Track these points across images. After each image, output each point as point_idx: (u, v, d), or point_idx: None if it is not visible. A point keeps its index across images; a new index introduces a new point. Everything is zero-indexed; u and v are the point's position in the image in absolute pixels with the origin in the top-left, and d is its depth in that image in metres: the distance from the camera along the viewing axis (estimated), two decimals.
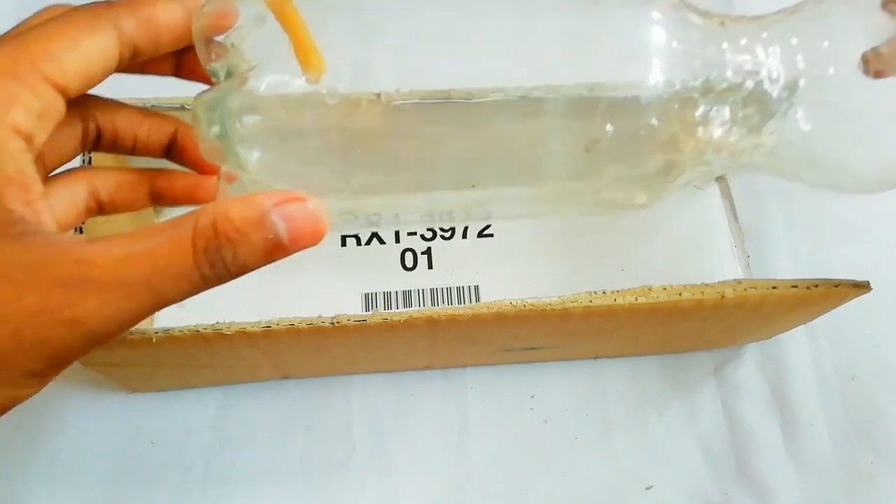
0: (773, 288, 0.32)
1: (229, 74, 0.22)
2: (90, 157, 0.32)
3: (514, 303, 0.31)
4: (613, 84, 0.27)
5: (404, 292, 0.40)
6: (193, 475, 0.39)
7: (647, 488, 0.40)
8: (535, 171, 0.28)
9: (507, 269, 0.41)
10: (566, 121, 0.26)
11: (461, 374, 0.42)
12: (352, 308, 0.40)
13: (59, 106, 0.19)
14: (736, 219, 0.43)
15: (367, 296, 0.40)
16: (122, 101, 0.22)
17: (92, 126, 0.22)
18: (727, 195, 0.43)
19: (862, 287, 0.34)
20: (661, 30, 0.25)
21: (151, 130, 0.23)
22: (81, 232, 0.31)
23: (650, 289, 0.32)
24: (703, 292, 0.32)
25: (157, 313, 0.28)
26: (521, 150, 0.26)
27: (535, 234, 0.42)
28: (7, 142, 0.17)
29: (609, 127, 0.24)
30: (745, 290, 0.32)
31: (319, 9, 0.21)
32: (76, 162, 0.25)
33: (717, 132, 0.25)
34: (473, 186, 0.26)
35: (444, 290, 0.39)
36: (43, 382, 0.17)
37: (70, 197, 0.23)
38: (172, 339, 0.30)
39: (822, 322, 0.42)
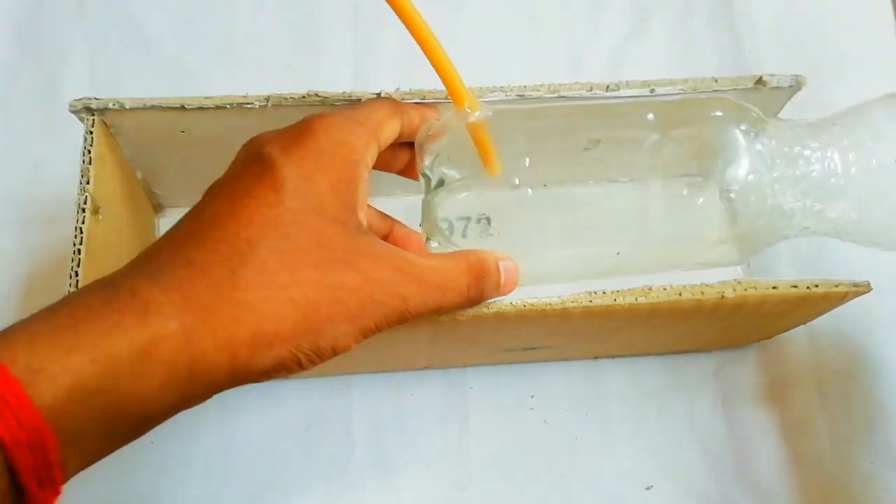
0: (773, 288, 0.32)
1: (440, 182, 0.31)
2: (90, 157, 0.32)
3: (513, 303, 0.31)
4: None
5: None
6: (194, 474, 0.39)
7: (647, 488, 0.40)
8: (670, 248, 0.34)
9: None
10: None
11: (461, 373, 0.42)
12: None
13: (377, 150, 0.28)
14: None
15: None
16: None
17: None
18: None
19: (862, 287, 0.34)
20: (748, 137, 0.33)
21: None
22: (81, 232, 0.31)
23: (650, 289, 0.32)
24: (702, 292, 0.32)
25: None
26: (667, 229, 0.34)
27: (536, 234, 0.41)
28: (364, 175, 0.27)
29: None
30: (745, 290, 0.32)
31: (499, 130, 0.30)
32: None
33: (793, 208, 0.33)
34: (618, 253, 0.33)
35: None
36: (361, 339, 0.24)
37: None
38: None
39: (822, 322, 0.42)
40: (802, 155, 0.33)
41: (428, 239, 0.32)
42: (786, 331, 0.42)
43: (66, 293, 0.30)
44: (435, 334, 0.34)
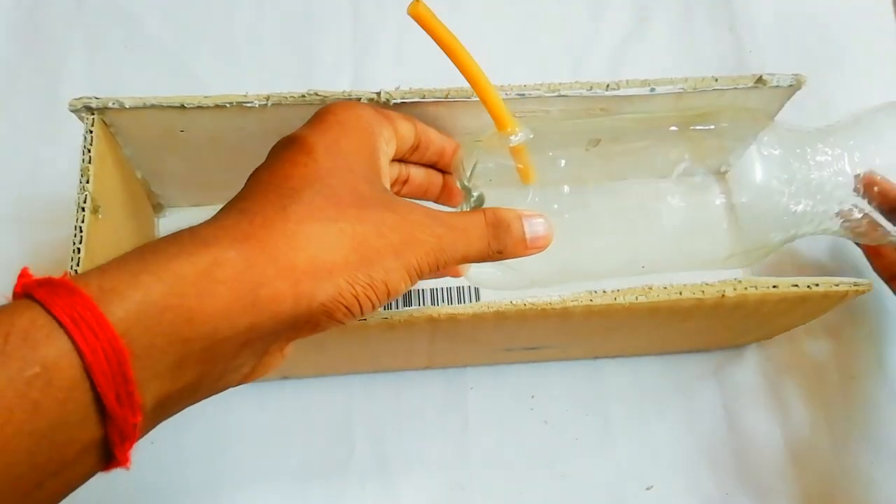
0: (774, 287, 0.32)
1: (480, 199, 0.33)
2: (90, 157, 0.32)
3: (513, 302, 0.31)
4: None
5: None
6: (194, 474, 0.39)
7: (648, 488, 0.40)
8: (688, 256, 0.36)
9: (508, 267, 0.41)
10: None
11: (461, 373, 0.42)
12: None
13: (396, 144, 0.31)
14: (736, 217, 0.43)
15: None
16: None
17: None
18: (727, 193, 0.43)
19: (862, 286, 0.34)
20: (765, 142, 0.35)
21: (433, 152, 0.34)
22: (81, 231, 0.31)
23: (650, 288, 0.32)
24: (703, 292, 0.32)
25: None
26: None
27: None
28: (383, 148, 0.29)
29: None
30: (746, 289, 0.32)
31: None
32: None
33: (804, 208, 0.35)
34: (643, 267, 0.35)
35: (445, 290, 0.39)
36: (408, 280, 0.25)
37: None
38: None
39: (823, 321, 0.42)
40: (810, 158, 0.35)
41: None
42: (786, 330, 0.42)
43: None
44: (434, 334, 0.34)
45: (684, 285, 0.32)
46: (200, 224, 0.23)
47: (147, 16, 0.50)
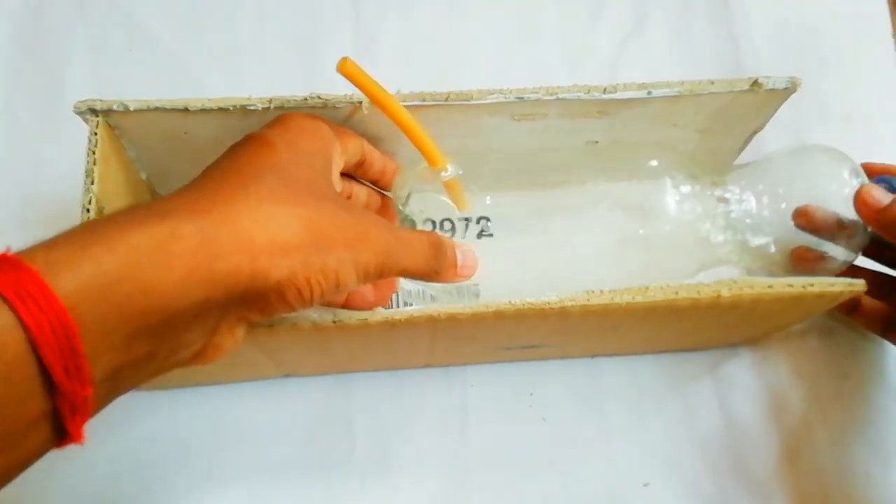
0: (769, 287, 0.33)
1: (411, 224, 0.36)
2: (95, 158, 0.33)
3: (513, 302, 0.31)
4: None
5: (405, 291, 0.40)
6: (196, 472, 0.40)
7: (645, 485, 0.41)
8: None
9: (507, 268, 0.41)
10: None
11: (461, 371, 0.43)
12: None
13: (345, 157, 0.32)
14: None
15: None
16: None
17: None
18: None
19: (857, 286, 0.34)
20: (679, 183, 0.39)
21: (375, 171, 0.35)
22: None
23: (647, 288, 0.32)
24: (699, 291, 0.32)
25: None
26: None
27: (534, 234, 0.42)
28: (336, 160, 0.30)
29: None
30: (741, 289, 0.32)
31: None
32: None
33: (719, 239, 0.39)
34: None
35: (444, 289, 0.40)
36: (358, 276, 0.26)
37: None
38: None
39: (818, 320, 0.42)
40: (724, 197, 0.39)
41: None
42: (781, 329, 0.42)
43: None
44: (435, 333, 0.35)
45: (680, 285, 0.32)
46: (156, 199, 0.24)
47: (150, 18, 0.50)
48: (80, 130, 0.34)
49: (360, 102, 0.33)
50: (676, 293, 0.32)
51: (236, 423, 0.41)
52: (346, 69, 0.30)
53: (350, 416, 0.41)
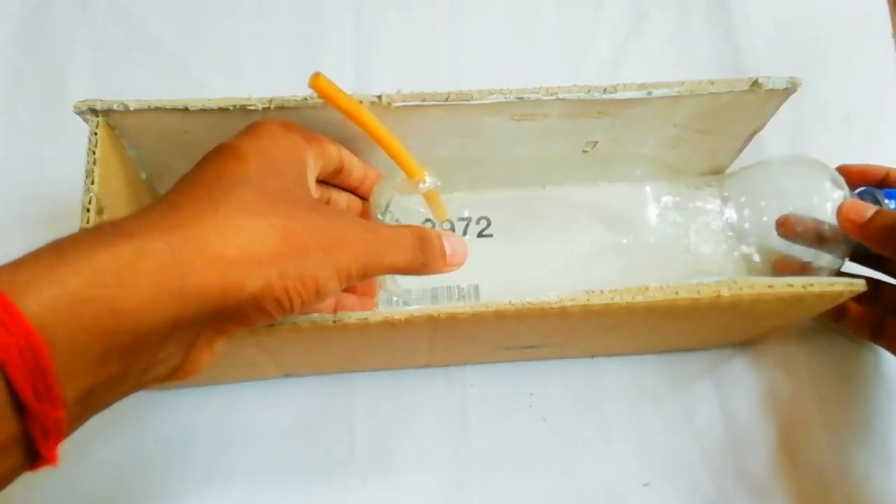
0: (769, 287, 0.33)
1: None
2: (95, 158, 0.33)
3: (513, 302, 0.31)
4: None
5: (405, 291, 0.40)
6: (197, 472, 0.40)
7: (645, 485, 0.41)
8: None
9: (507, 268, 0.41)
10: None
11: (461, 371, 0.43)
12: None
13: (322, 163, 0.32)
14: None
15: None
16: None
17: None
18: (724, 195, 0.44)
19: (857, 286, 0.34)
20: (661, 194, 0.40)
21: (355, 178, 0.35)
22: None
23: (647, 288, 0.32)
24: (699, 291, 0.32)
25: None
26: None
27: (535, 235, 0.42)
28: (311, 164, 0.30)
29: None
30: (741, 289, 0.32)
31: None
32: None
33: (707, 249, 0.40)
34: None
35: (444, 289, 0.40)
36: (336, 280, 0.25)
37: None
38: None
39: (818, 321, 0.42)
40: (704, 209, 0.40)
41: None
42: (782, 329, 0.42)
43: None
44: (435, 333, 0.35)
45: (680, 285, 0.32)
46: (123, 218, 0.23)
47: (151, 18, 0.50)
48: (81, 130, 0.34)
49: (360, 102, 0.33)
50: (676, 293, 0.32)
51: (236, 423, 0.41)
52: (317, 85, 0.30)
53: (350, 416, 0.41)
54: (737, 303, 0.33)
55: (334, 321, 0.31)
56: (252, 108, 0.33)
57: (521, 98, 0.35)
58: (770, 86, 0.36)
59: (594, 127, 0.38)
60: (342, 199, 0.35)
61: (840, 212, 0.36)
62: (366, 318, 0.31)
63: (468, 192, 0.40)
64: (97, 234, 0.21)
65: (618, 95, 0.35)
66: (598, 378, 0.43)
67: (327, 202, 0.34)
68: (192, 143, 0.36)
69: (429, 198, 0.35)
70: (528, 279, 0.41)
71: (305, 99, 0.33)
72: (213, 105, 0.33)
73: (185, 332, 0.23)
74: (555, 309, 0.32)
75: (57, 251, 0.20)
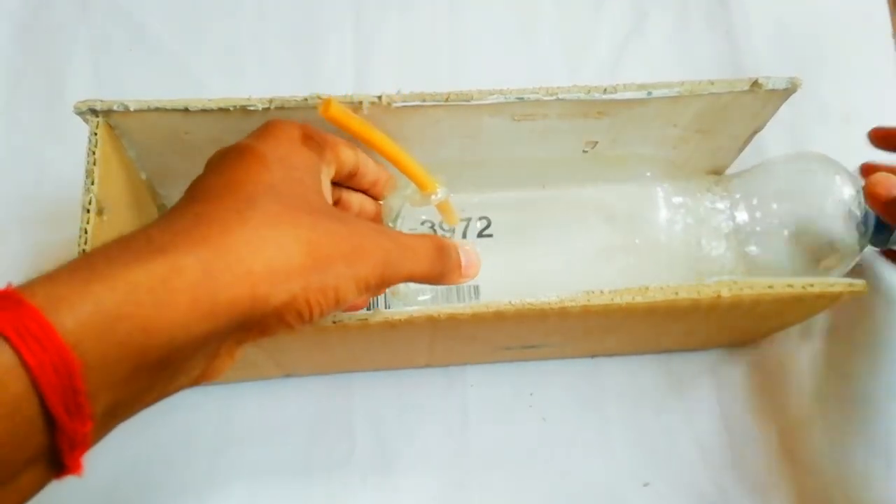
0: (769, 287, 0.33)
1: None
2: (95, 159, 0.33)
3: (513, 302, 0.32)
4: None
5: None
6: (197, 471, 0.40)
7: (645, 485, 0.41)
8: None
9: (507, 268, 0.41)
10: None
11: (461, 371, 0.43)
12: None
13: (336, 167, 0.32)
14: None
15: None
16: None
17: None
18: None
19: (857, 287, 0.34)
20: (671, 195, 0.40)
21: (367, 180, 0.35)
22: (87, 232, 0.32)
23: (647, 288, 0.32)
24: (699, 292, 0.32)
25: None
26: None
27: (535, 235, 0.42)
28: (325, 170, 0.30)
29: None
30: (741, 289, 0.32)
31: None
32: None
33: (714, 250, 0.40)
34: None
35: (444, 290, 0.40)
36: (357, 290, 0.25)
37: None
38: None
39: (818, 321, 0.42)
40: (714, 209, 0.40)
41: None
42: (781, 329, 0.42)
43: None
44: (435, 333, 0.35)
45: (680, 286, 0.32)
46: (152, 227, 0.23)
47: (151, 18, 0.50)
48: (81, 131, 0.34)
49: (360, 102, 0.33)
50: (676, 293, 0.32)
51: (236, 423, 0.41)
52: (330, 113, 0.30)
53: (350, 416, 0.41)
54: (737, 303, 0.33)
55: (334, 321, 0.31)
56: (252, 108, 0.33)
57: (521, 98, 0.35)
58: (770, 86, 0.36)
59: (594, 127, 0.38)
60: (354, 199, 0.35)
61: (867, 186, 0.35)
62: (366, 319, 0.31)
63: (468, 193, 0.40)
64: (131, 248, 0.21)
65: (618, 95, 0.35)
66: (598, 378, 0.43)
67: (337, 201, 0.34)
68: (192, 143, 0.36)
69: (441, 208, 0.35)
70: (528, 279, 0.41)
71: (305, 99, 0.33)
72: (214, 105, 0.33)
73: (212, 345, 0.23)
74: (555, 309, 0.32)
75: (90, 266, 0.20)
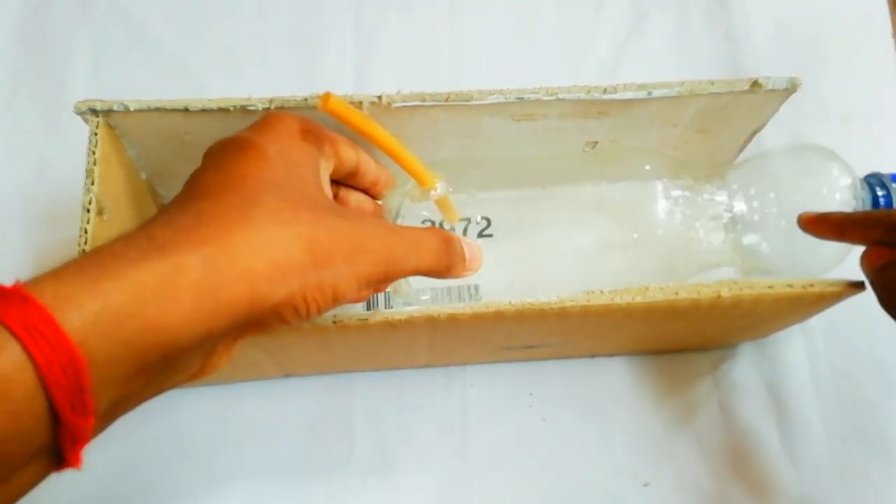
0: (769, 287, 0.33)
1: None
2: (95, 159, 0.33)
3: (513, 302, 0.32)
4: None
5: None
6: (197, 472, 0.40)
7: (645, 485, 0.41)
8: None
9: (507, 268, 0.41)
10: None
11: (461, 371, 0.43)
12: (353, 307, 0.40)
13: (335, 164, 0.32)
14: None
15: None
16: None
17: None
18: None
19: (856, 287, 0.34)
20: (670, 187, 0.40)
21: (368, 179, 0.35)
22: (87, 232, 0.32)
23: (647, 288, 0.32)
24: (699, 292, 0.32)
25: None
26: None
27: (535, 235, 0.42)
28: (324, 165, 0.30)
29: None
30: (741, 289, 0.32)
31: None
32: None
33: (713, 241, 0.40)
34: None
35: (444, 290, 0.40)
36: (357, 289, 0.25)
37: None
38: None
39: (818, 321, 0.42)
40: (712, 201, 0.40)
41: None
42: (781, 329, 0.42)
43: None
44: (435, 333, 0.35)
45: (680, 286, 0.32)
46: (154, 225, 0.23)
47: (151, 18, 0.50)
48: (81, 131, 0.34)
49: (360, 102, 0.33)
50: (676, 293, 0.32)
51: (236, 423, 0.41)
52: (330, 107, 0.30)
53: (350, 416, 0.41)
54: (737, 303, 0.33)
55: (334, 321, 0.31)
56: (252, 108, 0.33)
57: (521, 98, 0.35)
58: (770, 86, 0.36)
59: (594, 127, 0.38)
60: (352, 197, 0.35)
61: (863, 257, 0.34)
62: (366, 319, 0.31)
63: (468, 193, 0.40)
64: (135, 246, 0.21)
65: (618, 95, 0.35)
66: (598, 378, 0.43)
67: (335, 198, 0.34)
68: (192, 143, 0.36)
69: (440, 204, 0.35)
70: (528, 279, 0.41)
71: (305, 99, 0.33)
72: (214, 105, 0.33)
73: (212, 342, 0.23)
74: (555, 309, 0.32)
75: (97, 263, 0.20)
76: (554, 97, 0.35)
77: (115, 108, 0.33)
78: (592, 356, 0.43)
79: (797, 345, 0.44)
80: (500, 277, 0.41)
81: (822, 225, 0.34)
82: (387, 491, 0.40)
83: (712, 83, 0.36)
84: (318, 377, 0.42)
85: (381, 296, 0.41)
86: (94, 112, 0.33)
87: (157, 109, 0.34)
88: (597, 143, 0.40)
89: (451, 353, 0.40)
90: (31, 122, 0.47)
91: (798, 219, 0.35)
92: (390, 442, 0.41)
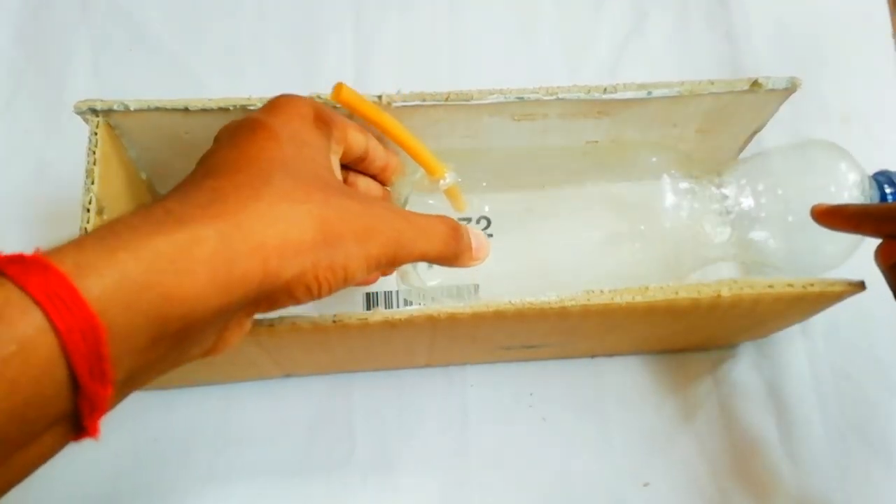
0: (769, 287, 0.33)
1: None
2: (95, 158, 0.33)
3: (513, 302, 0.32)
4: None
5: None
6: (197, 472, 0.40)
7: (645, 485, 0.41)
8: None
9: (507, 268, 0.41)
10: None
11: (461, 371, 0.43)
12: (353, 307, 0.40)
13: (344, 148, 0.32)
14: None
15: (368, 295, 0.41)
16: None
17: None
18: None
19: (857, 286, 0.34)
20: (678, 181, 0.39)
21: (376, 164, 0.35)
22: (87, 232, 0.32)
23: (647, 288, 0.32)
24: (699, 291, 0.32)
25: None
26: None
27: (535, 234, 0.42)
28: (335, 149, 0.30)
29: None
30: (741, 289, 0.32)
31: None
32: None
33: (719, 236, 0.39)
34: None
35: (450, 279, 0.40)
36: (367, 269, 0.26)
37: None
38: None
39: (818, 321, 0.42)
40: (721, 195, 0.40)
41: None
42: (782, 329, 0.42)
43: None
44: (435, 332, 0.35)
45: (680, 285, 0.32)
46: (169, 199, 0.23)
47: (151, 18, 0.50)
48: (81, 130, 0.34)
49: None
50: (676, 293, 0.32)
51: (236, 423, 0.41)
52: (342, 97, 0.31)
53: (350, 416, 0.41)
54: (737, 303, 0.33)
55: (334, 321, 0.31)
56: (252, 107, 0.33)
57: (521, 98, 0.35)
58: (770, 86, 0.36)
59: (594, 127, 0.38)
60: (361, 182, 0.35)
61: (877, 251, 0.33)
62: (366, 318, 0.31)
63: (468, 192, 0.40)
64: (152, 219, 0.22)
65: (618, 95, 0.35)
66: (598, 378, 0.43)
67: (343, 182, 0.34)
68: (192, 143, 0.36)
69: (449, 193, 0.35)
70: (528, 279, 0.41)
71: None
72: (214, 105, 0.33)
73: (226, 316, 0.23)
74: (555, 309, 0.32)
75: (115, 233, 0.21)
76: (554, 97, 0.35)
77: (115, 107, 0.33)
78: (592, 356, 0.43)
79: (797, 345, 0.44)
80: (500, 277, 0.41)
81: (837, 217, 0.34)
82: (387, 491, 0.40)
83: (712, 83, 0.36)
84: (318, 377, 0.42)
85: (381, 295, 0.41)
86: (94, 112, 0.33)
87: (157, 109, 0.34)
88: (597, 142, 0.40)
89: (451, 352, 0.40)
90: (31, 122, 0.47)
91: (812, 210, 0.34)
92: (390, 442, 0.41)
